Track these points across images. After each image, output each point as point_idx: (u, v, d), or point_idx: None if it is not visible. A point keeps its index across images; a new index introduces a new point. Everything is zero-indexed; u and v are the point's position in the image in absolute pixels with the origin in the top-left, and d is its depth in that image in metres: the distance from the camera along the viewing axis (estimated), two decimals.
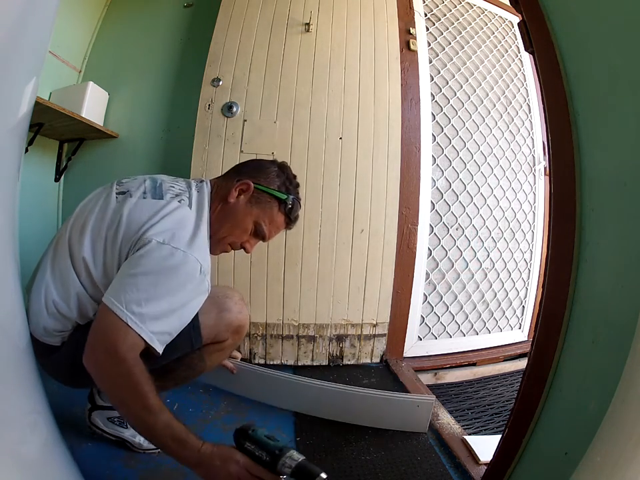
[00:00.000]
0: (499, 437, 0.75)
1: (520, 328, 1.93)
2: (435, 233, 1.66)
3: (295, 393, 1.16)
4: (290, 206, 0.87)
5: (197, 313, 0.77)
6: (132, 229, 0.72)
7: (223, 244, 0.85)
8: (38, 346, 0.75)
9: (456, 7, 1.80)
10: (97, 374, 0.65)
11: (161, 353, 0.69)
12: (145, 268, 0.68)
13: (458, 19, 1.78)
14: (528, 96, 1.89)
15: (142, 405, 0.64)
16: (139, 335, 0.65)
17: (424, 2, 1.72)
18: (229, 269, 1.45)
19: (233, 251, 0.89)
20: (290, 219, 0.89)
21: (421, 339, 1.68)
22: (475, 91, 1.75)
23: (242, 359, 1.48)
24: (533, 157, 1.89)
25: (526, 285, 1.91)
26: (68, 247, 0.75)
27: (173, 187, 0.82)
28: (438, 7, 1.75)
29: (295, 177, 0.92)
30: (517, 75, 1.88)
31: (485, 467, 0.84)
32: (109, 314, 0.65)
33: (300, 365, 1.50)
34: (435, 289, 1.68)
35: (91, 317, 0.76)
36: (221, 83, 1.46)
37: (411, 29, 1.62)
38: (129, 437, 0.92)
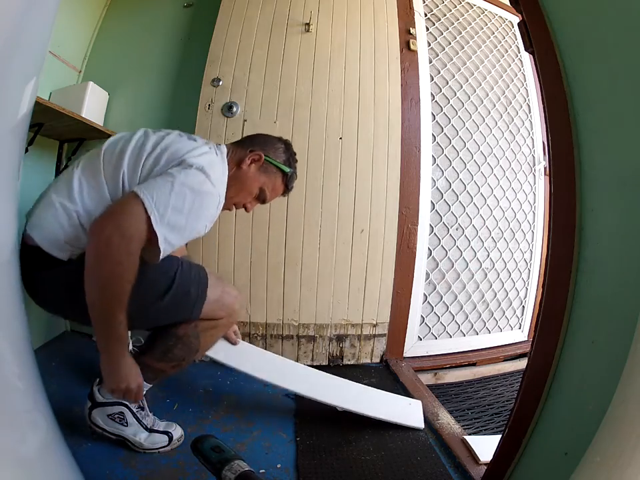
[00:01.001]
0: (498, 436, 0.75)
1: (520, 328, 1.93)
2: (434, 233, 1.66)
3: (293, 375, 1.19)
4: (290, 179, 1.01)
5: (206, 284, 0.90)
6: (175, 154, 0.82)
7: (228, 203, 0.94)
8: (39, 258, 0.79)
9: (456, 6, 1.80)
10: (95, 246, 0.71)
11: (159, 259, 0.76)
12: (182, 181, 0.77)
13: (458, 19, 1.78)
14: (528, 96, 1.89)
15: (119, 297, 0.71)
16: (155, 231, 0.72)
17: (424, 2, 1.72)
18: (229, 269, 1.45)
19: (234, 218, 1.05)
20: (288, 188, 1.03)
21: (421, 339, 1.68)
22: (475, 91, 1.75)
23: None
24: (533, 157, 1.89)
25: (526, 285, 1.91)
26: (102, 166, 0.82)
27: (197, 139, 0.92)
28: (438, 6, 1.75)
29: (295, 153, 1.04)
30: (516, 75, 1.88)
31: (485, 467, 0.84)
32: (136, 201, 0.73)
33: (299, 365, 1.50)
34: (435, 289, 1.68)
35: None
36: (220, 83, 1.46)
37: (410, 29, 1.62)
38: (129, 435, 0.92)
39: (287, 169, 0.99)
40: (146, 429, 0.94)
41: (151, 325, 0.95)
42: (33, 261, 0.79)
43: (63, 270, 0.80)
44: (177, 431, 0.97)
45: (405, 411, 1.14)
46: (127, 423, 0.92)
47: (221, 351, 1.14)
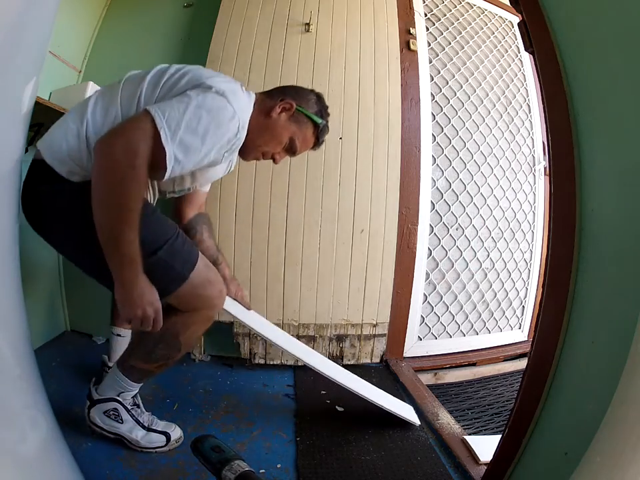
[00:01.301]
0: (498, 436, 0.75)
1: (520, 328, 1.93)
2: (434, 233, 1.66)
3: (304, 350, 1.21)
4: (322, 130, 0.98)
5: (193, 266, 0.86)
6: (196, 78, 0.81)
7: (257, 151, 0.94)
8: (42, 171, 0.79)
9: (456, 6, 1.80)
10: (100, 160, 0.69)
11: (166, 177, 0.74)
12: (199, 102, 0.74)
13: (458, 19, 1.78)
14: (528, 96, 1.89)
15: (125, 215, 0.69)
16: (164, 148, 0.70)
17: (424, 2, 1.72)
18: (229, 268, 1.45)
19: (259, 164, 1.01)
20: (318, 141, 1.00)
21: (420, 339, 1.68)
22: (475, 91, 1.75)
23: (241, 359, 1.48)
24: (533, 157, 1.89)
25: (526, 285, 1.91)
26: (120, 89, 0.83)
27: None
28: (438, 6, 1.75)
29: (327, 107, 1.00)
30: (516, 75, 1.88)
31: (485, 467, 0.84)
32: (147, 117, 0.71)
33: (300, 365, 1.50)
34: (435, 289, 1.68)
35: None
36: None
37: (410, 29, 1.62)
38: (125, 432, 0.92)
39: (319, 120, 0.95)
40: (143, 427, 0.94)
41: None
42: (35, 174, 0.81)
43: (62, 187, 0.79)
44: (176, 432, 0.97)
45: (402, 407, 1.15)
46: (121, 419, 0.92)
47: (240, 311, 1.10)
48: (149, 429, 0.94)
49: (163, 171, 0.73)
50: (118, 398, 0.92)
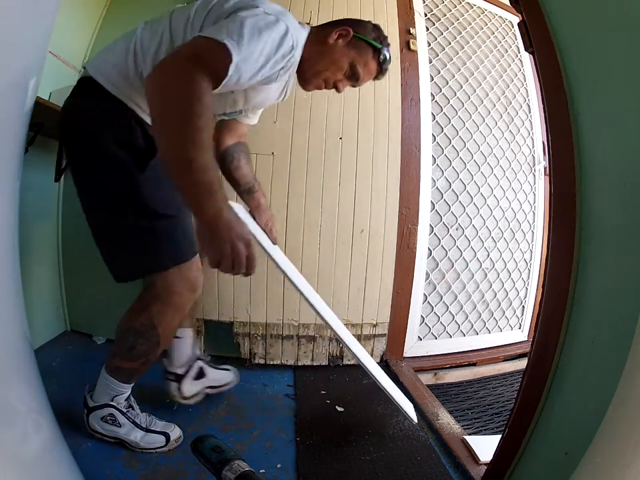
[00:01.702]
0: (498, 436, 0.75)
1: (520, 328, 1.93)
2: (435, 233, 1.66)
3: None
4: (383, 56, 0.94)
5: (189, 252, 0.88)
6: (244, 1, 0.79)
7: (318, 78, 0.92)
8: (86, 87, 0.83)
9: (456, 7, 1.79)
10: (162, 81, 0.65)
11: (221, 86, 0.69)
12: (250, 20, 0.72)
13: (458, 19, 1.78)
14: (528, 96, 1.89)
15: (192, 136, 0.62)
16: (231, 54, 0.67)
17: (424, 2, 1.72)
18: None
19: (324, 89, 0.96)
20: (381, 68, 0.95)
21: (421, 339, 1.68)
22: (475, 91, 1.75)
23: (241, 359, 1.48)
24: (533, 157, 1.89)
25: (526, 285, 1.91)
26: (169, 15, 0.84)
27: None
28: (438, 6, 1.75)
29: (386, 37, 0.98)
30: (516, 75, 1.88)
31: (485, 467, 0.84)
32: (203, 39, 0.69)
33: (300, 365, 1.50)
34: (435, 289, 1.68)
35: None
36: None
37: (410, 29, 1.62)
38: (124, 435, 0.92)
39: (378, 45, 0.92)
40: (141, 428, 0.94)
41: (106, 241, 0.89)
42: (76, 89, 0.85)
43: (104, 105, 0.81)
44: (175, 432, 0.97)
45: (404, 400, 1.14)
46: (119, 423, 0.92)
47: (265, 240, 1.04)
48: (147, 430, 0.94)
49: (220, 81, 0.69)
50: (112, 403, 0.92)
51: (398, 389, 1.16)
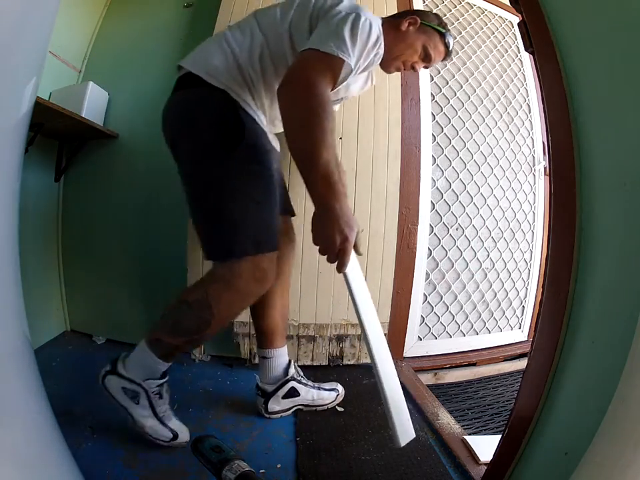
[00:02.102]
0: (498, 436, 0.75)
1: (520, 328, 1.93)
2: (435, 233, 1.66)
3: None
4: (448, 39, 1.06)
5: (274, 238, 0.93)
6: (323, 3, 0.90)
7: (397, 61, 1.04)
8: (184, 81, 0.93)
9: (456, 7, 1.80)
10: (295, 99, 0.76)
11: (338, 82, 0.81)
12: (345, 24, 0.81)
13: (458, 19, 1.78)
14: (528, 96, 1.89)
15: (322, 136, 0.73)
16: (342, 61, 0.79)
17: (424, 2, 1.72)
18: None
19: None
20: (448, 50, 1.08)
21: (420, 339, 1.68)
22: (475, 91, 1.75)
23: (241, 359, 1.48)
24: (533, 157, 1.89)
25: (526, 285, 1.91)
26: (256, 23, 0.94)
27: None
28: (438, 7, 1.75)
29: (446, 23, 1.09)
30: (516, 75, 1.88)
31: (485, 467, 0.84)
32: (312, 51, 0.79)
33: (300, 364, 1.49)
34: (435, 289, 1.68)
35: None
36: None
37: None
38: (135, 413, 0.91)
39: (443, 30, 1.04)
40: (156, 416, 0.93)
41: (202, 221, 0.92)
42: (181, 85, 0.95)
43: (198, 91, 0.90)
44: (184, 435, 0.96)
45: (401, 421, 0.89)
46: (138, 402, 0.91)
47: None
48: (160, 420, 0.93)
49: (335, 86, 0.81)
50: (144, 385, 0.91)
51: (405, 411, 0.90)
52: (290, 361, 1.17)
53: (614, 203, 0.54)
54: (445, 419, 1.14)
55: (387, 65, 1.05)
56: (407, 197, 1.55)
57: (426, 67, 1.10)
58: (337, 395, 1.20)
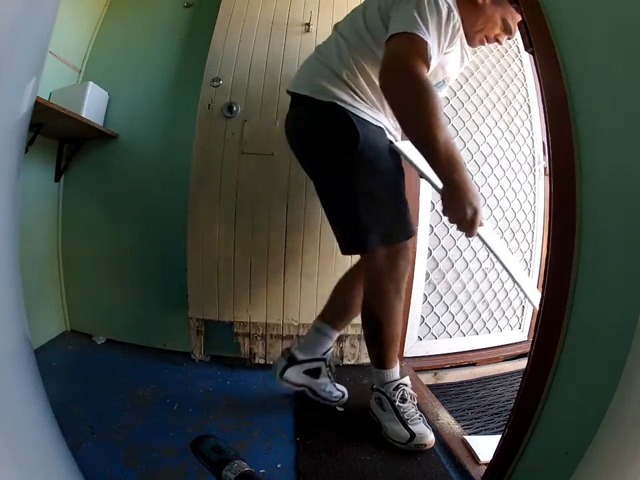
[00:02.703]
0: (498, 436, 0.75)
1: (520, 328, 1.92)
2: (434, 233, 1.66)
3: None
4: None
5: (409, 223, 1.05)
6: None
7: (480, 35, 1.04)
8: (296, 100, 1.05)
9: None
10: (396, 91, 0.82)
11: (431, 65, 0.85)
12: (419, 5, 0.85)
13: None
14: (528, 96, 1.89)
15: (434, 119, 0.77)
16: (425, 42, 0.81)
17: None
18: (229, 268, 1.45)
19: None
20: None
21: (420, 339, 1.68)
22: (475, 91, 1.75)
23: (241, 359, 1.48)
24: (533, 157, 1.89)
25: None
26: (337, 32, 1.04)
27: None
28: None
29: None
30: (516, 75, 1.87)
31: (485, 467, 0.84)
32: (396, 40, 0.83)
33: None
34: (435, 289, 1.68)
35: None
36: (220, 82, 1.46)
37: None
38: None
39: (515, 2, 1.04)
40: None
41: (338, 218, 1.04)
42: (293, 103, 1.06)
43: (309, 107, 0.99)
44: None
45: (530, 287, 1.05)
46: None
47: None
48: (402, 422, 1.02)
49: (428, 67, 0.84)
50: (381, 388, 1.07)
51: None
52: (331, 348, 1.22)
53: (614, 203, 0.54)
54: (445, 419, 1.14)
55: (470, 39, 1.05)
56: (407, 197, 1.54)
57: (509, 39, 1.09)
58: (342, 397, 1.22)
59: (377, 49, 0.95)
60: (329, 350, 1.18)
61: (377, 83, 0.90)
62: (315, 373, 1.15)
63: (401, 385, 1.06)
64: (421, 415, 1.05)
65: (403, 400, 1.05)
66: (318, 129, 0.99)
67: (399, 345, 1.10)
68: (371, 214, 0.97)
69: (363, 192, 0.97)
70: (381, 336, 1.03)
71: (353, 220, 0.99)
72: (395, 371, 1.08)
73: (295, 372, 1.14)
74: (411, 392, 1.08)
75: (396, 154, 1.04)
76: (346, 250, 1.05)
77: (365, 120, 0.98)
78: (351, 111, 0.96)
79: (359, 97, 0.98)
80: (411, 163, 1.02)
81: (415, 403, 1.08)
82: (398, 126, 1.08)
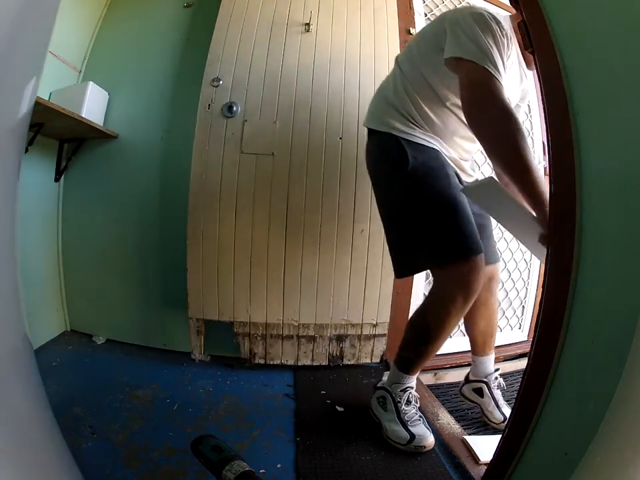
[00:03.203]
0: (498, 437, 0.75)
1: (520, 328, 1.92)
2: None
3: None
4: None
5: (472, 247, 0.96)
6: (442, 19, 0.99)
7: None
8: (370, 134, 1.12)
9: (456, 7, 1.79)
10: (482, 122, 0.86)
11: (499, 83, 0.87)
12: (460, 26, 0.90)
13: None
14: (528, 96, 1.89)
15: (522, 143, 0.80)
16: (487, 70, 0.85)
17: (424, 2, 1.72)
18: (229, 268, 1.45)
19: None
20: None
21: None
22: None
23: (241, 359, 1.48)
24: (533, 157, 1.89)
25: (526, 285, 1.91)
26: (396, 63, 1.11)
27: None
28: (438, 7, 1.75)
29: None
30: None
31: (485, 467, 0.84)
32: (464, 63, 0.87)
33: (300, 365, 1.50)
34: None
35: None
36: (220, 82, 1.46)
37: (411, 28, 1.62)
38: (383, 419, 1.05)
39: None
40: (399, 419, 1.03)
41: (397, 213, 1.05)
42: (368, 135, 1.13)
43: (374, 137, 1.10)
44: (424, 439, 0.99)
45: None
46: (386, 408, 1.07)
47: None
48: (402, 424, 1.01)
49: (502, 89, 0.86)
50: (388, 388, 1.07)
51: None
52: (495, 371, 1.25)
53: (614, 202, 0.54)
54: (445, 419, 1.14)
55: (528, 61, 1.04)
56: None
57: None
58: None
59: (428, 76, 1.00)
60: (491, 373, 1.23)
61: (430, 109, 1.00)
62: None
63: (408, 389, 1.06)
64: (421, 416, 1.05)
65: (408, 402, 1.06)
66: (379, 156, 1.09)
67: None
68: (419, 234, 0.98)
69: (412, 212, 0.99)
70: (423, 347, 1.02)
71: (399, 241, 1.04)
72: (413, 379, 1.08)
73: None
74: (416, 395, 1.08)
75: (452, 172, 1.04)
76: (395, 272, 1.06)
77: (417, 144, 1.01)
78: (404, 137, 1.01)
79: (416, 124, 1.03)
80: (484, 207, 1.02)
81: (418, 405, 1.08)
82: (467, 156, 1.12)
